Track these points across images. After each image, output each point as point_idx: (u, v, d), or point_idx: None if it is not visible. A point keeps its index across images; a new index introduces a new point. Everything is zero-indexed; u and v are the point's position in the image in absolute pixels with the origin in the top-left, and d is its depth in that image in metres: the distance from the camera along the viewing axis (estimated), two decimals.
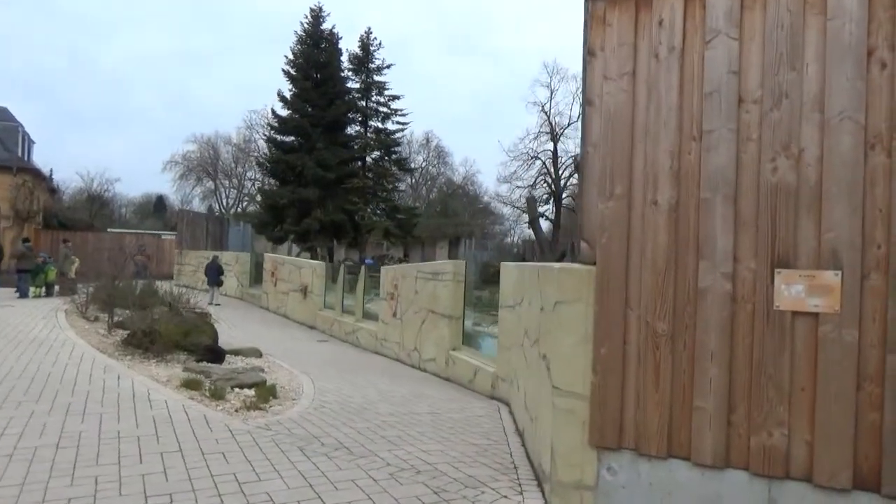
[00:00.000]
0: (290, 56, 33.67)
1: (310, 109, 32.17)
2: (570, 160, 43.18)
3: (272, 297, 21.28)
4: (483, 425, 6.33)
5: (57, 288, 17.46)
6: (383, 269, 14.40)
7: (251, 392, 7.12)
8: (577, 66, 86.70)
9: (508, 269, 8.09)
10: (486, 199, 60.83)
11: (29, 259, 16.63)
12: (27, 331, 10.18)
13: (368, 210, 32.40)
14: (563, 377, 3.87)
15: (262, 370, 9.32)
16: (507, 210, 52.06)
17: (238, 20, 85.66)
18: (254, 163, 59.45)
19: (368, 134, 34.54)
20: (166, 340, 9.12)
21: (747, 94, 3.50)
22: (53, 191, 36.49)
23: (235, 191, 62.58)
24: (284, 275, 20.59)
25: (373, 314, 15.75)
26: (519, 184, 42.34)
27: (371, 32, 34.79)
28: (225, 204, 61.75)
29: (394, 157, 34.56)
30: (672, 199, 3.62)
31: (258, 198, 59.22)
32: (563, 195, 42.26)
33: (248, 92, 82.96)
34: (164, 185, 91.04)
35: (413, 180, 44.60)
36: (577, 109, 42.67)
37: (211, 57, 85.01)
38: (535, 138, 42.37)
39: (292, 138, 33.17)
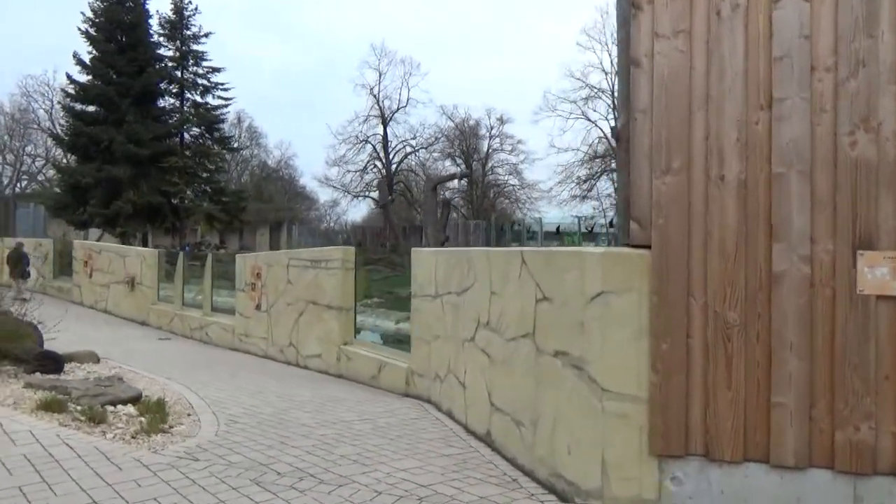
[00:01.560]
0: (89, 14, 29.34)
1: (115, 76, 28.34)
2: (401, 145, 43.13)
3: (87, 291, 18.42)
4: (429, 430, 5.67)
5: None
6: (240, 257, 12.93)
7: (132, 410, 5.79)
8: (405, 50, 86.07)
9: (425, 256, 7.44)
10: (301, 182, 58.87)
11: None
12: None
13: (189, 192, 29.44)
14: (614, 378, 3.37)
15: (121, 379, 7.82)
16: (326, 195, 50.93)
17: None
18: (40, 136, 51.86)
19: (186, 108, 31.35)
20: None
21: (819, 62, 3.22)
22: None
23: (11, 168, 54.13)
24: (103, 265, 17.86)
25: (222, 307, 14.18)
26: (350, 167, 41.30)
27: None
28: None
29: (216, 134, 31.73)
30: (741, 175, 3.26)
31: (52, 175, 51.83)
32: (395, 181, 42.03)
33: (16, 54, 71.82)
34: None
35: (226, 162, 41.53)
36: (406, 94, 42.64)
37: None
38: (365, 121, 41.56)
39: (95, 108, 29.05)
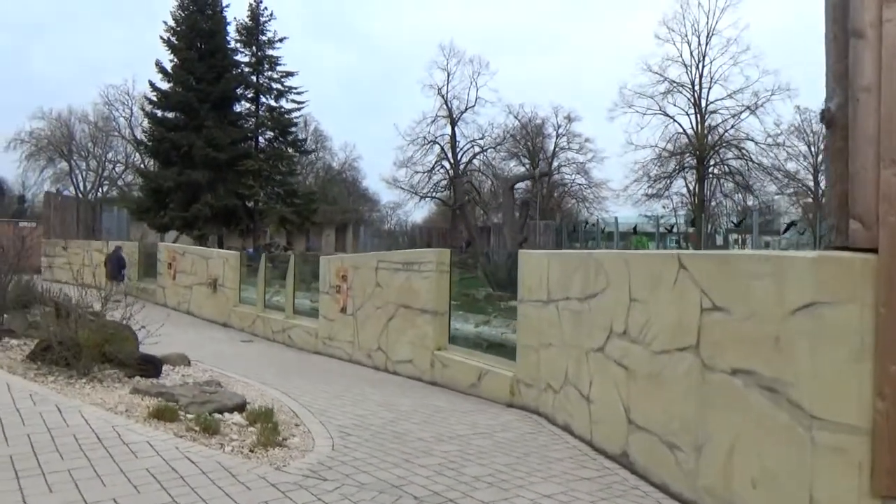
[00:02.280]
0: (171, 23, 30.23)
1: (195, 83, 29.04)
2: (469, 144, 42.73)
3: (171, 292, 18.80)
4: (553, 447, 5.23)
5: None
6: (324, 259, 12.82)
7: (240, 419, 5.59)
8: (473, 50, 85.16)
9: (535, 259, 7.01)
10: (364, 184, 59.26)
11: None
12: None
13: (263, 195, 29.89)
14: (827, 404, 2.85)
15: (219, 384, 7.70)
16: (393, 196, 51.02)
17: None
18: (120, 142, 54.07)
19: (261, 112, 31.88)
20: (92, 352, 7.23)
21: None
22: None
23: (94, 174, 56.57)
24: (186, 266, 18.19)
25: (305, 310, 14.11)
26: (418, 168, 41.27)
27: (261, 1, 32.07)
28: (82, 188, 55.71)
29: (289, 138, 32.14)
30: None
31: (131, 180, 53.95)
32: (465, 179, 41.62)
33: (95, 66, 75.04)
34: (7, 165, 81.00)
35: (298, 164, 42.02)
36: (474, 94, 42.27)
37: (47, 25, 75.80)
38: (433, 122, 41.40)
39: (175, 114, 29.86)
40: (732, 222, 32.38)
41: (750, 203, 33.74)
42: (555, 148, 48.06)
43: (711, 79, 33.54)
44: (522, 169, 46.46)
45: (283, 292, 16.33)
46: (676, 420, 4.01)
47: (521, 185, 43.61)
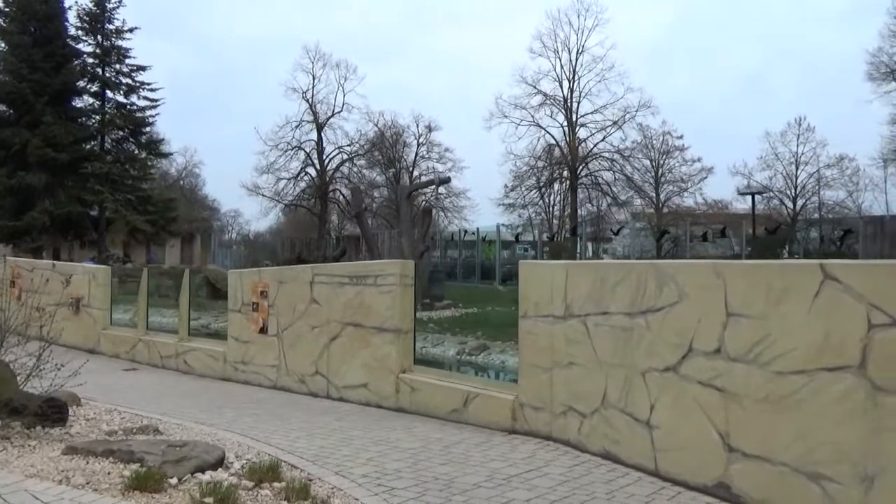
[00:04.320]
0: None
1: (29, 72, 25.21)
2: (336, 151, 41.27)
3: (15, 315, 15.83)
4: (619, 481, 4.64)
5: None
6: (233, 273, 11.32)
7: (243, 481, 4.42)
8: (340, 53, 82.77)
9: (542, 271, 6.40)
10: (203, 191, 55.81)
11: None
12: None
13: (111, 201, 26.57)
14: None
15: (158, 430, 6.32)
16: (232, 204, 48.34)
17: None
18: None
19: (108, 108, 28.42)
20: None
21: None
22: None
23: None
24: (37, 285, 15.42)
25: (166, 328, 12.45)
26: (283, 174, 39.13)
27: None
28: None
29: (142, 138, 28.95)
30: None
31: None
32: (330, 188, 40.14)
33: None
34: None
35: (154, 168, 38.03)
36: (342, 99, 40.99)
37: None
38: (298, 127, 39.51)
39: (3, 108, 25.75)
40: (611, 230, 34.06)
41: (622, 215, 35.78)
42: (416, 157, 48.00)
43: (580, 94, 35.30)
44: (382, 178, 45.92)
45: (140, 310, 14.47)
46: (825, 448, 3.58)
47: (374, 193, 43.10)
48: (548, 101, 35.78)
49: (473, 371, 12.13)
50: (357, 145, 43.22)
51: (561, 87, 36.20)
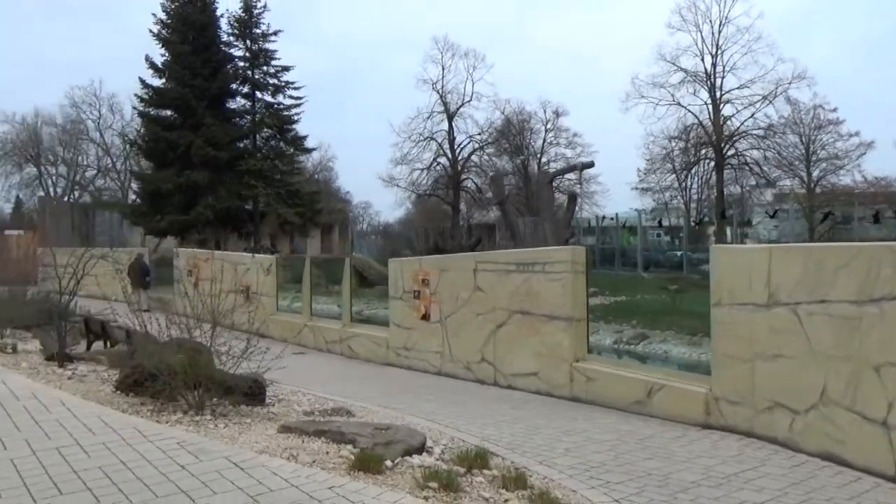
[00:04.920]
0: (161, 15, 28.54)
1: (191, 78, 27.40)
2: (467, 140, 41.58)
3: (191, 301, 17.30)
4: (853, 489, 4.23)
5: None
6: (394, 261, 11.67)
7: (455, 466, 4.46)
8: (470, 42, 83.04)
9: (740, 254, 6.01)
10: (336, 184, 57.82)
11: None
12: None
13: (264, 195, 28.37)
14: None
15: (349, 412, 6.58)
16: (363, 196, 49.78)
17: None
18: (95, 145, 51.63)
19: (258, 108, 30.32)
20: (192, 381, 6.06)
21: None
22: None
23: (65, 179, 54.12)
24: (212, 273, 16.76)
25: (327, 314, 12.99)
26: (418, 165, 40.03)
27: None
28: (53, 193, 53.16)
29: (289, 135, 30.65)
30: None
31: (103, 184, 51.57)
32: (462, 177, 40.55)
33: (52, 66, 71.75)
34: None
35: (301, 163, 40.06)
36: (471, 88, 41.18)
37: None
38: (429, 118, 40.20)
39: (171, 113, 28.20)
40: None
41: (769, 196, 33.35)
42: (543, 143, 47.22)
43: (724, 68, 33.11)
44: (506, 165, 45.59)
45: (305, 297, 15.26)
46: None
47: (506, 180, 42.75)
48: (689, 78, 33.87)
49: (639, 360, 11.72)
50: (486, 134, 43.31)
51: (703, 62, 34.12)
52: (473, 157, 42.10)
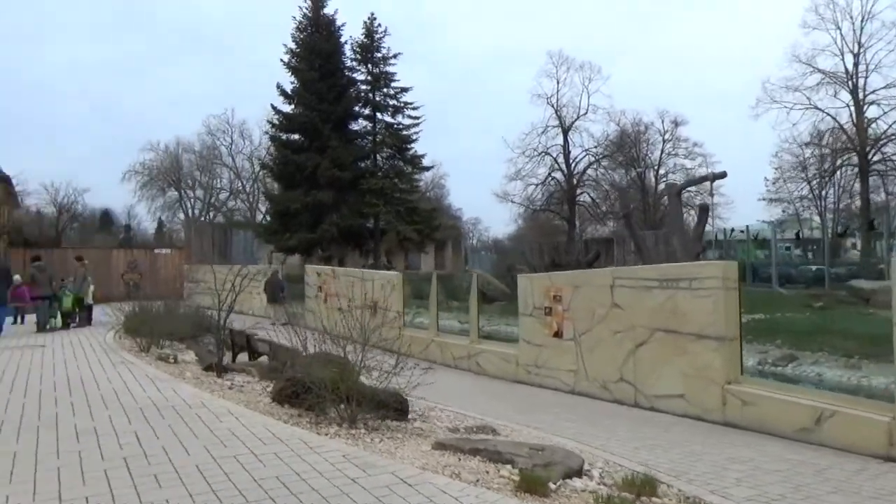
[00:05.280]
0: (291, 45, 30.29)
1: (317, 103, 28.82)
2: (582, 154, 40.93)
3: (321, 317, 18.06)
4: None
5: (77, 319, 13.96)
6: (524, 277, 11.58)
7: (626, 495, 4.26)
8: (584, 55, 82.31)
9: None
10: (447, 201, 58.24)
11: (43, 283, 13.07)
12: (116, 387, 6.99)
13: (384, 213, 29.23)
14: None
15: (494, 430, 6.52)
16: (473, 212, 49.74)
17: (162, 26, 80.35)
18: (223, 170, 55.42)
19: (378, 129, 31.39)
20: (344, 395, 6.23)
21: None
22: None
23: (201, 201, 58.38)
24: (340, 289, 17.44)
25: (447, 330, 12.97)
26: (532, 180, 39.82)
27: (375, 18, 31.68)
28: (191, 215, 57.50)
29: (408, 154, 31.49)
30: None
31: (233, 205, 55.26)
32: (578, 191, 39.94)
33: (189, 98, 77.65)
34: (123, 196, 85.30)
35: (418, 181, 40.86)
36: (586, 100, 40.56)
37: (144, 62, 79.10)
38: (544, 132, 39.94)
39: (297, 137, 29.80)
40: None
41: None
42: (661, 154, 45.56)
43: (867, 67, 30.59)
44: (622, 179, 44.28)
45: (426, 313, 15.42)
46: None
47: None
48: (827, 80, 31.52)
49: (790, 384, 10.90)
50: (602, 147, 42.45)
51: (843, 61, 31.69)
52: (589, 171, 41.35)
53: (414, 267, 48.65)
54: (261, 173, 47.34)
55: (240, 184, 55.68)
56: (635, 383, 8.55)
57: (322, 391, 6.08)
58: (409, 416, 6.98)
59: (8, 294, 13.24)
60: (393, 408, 6.53)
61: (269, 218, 31.94)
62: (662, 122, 43.15)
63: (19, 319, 14.94)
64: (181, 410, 5.87)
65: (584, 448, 5.73)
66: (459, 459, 4.83)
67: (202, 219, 54.79)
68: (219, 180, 58.45)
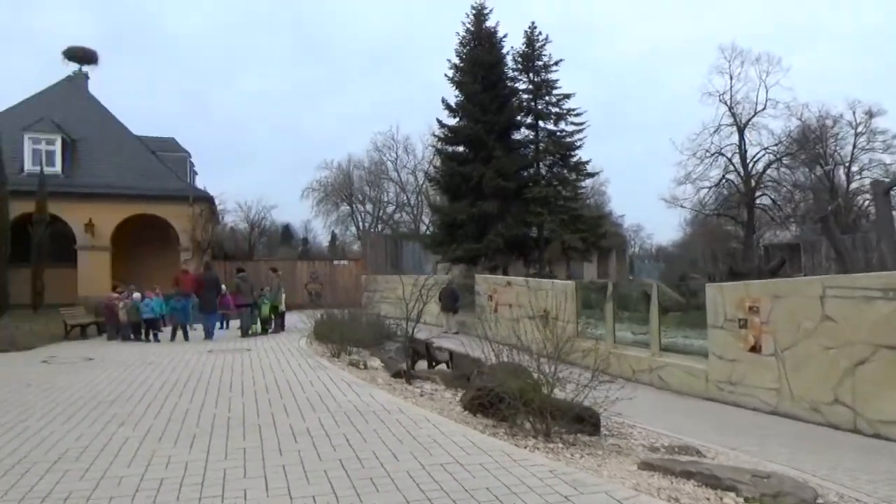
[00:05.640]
0: (455, 60, 31.07)
1: (481, 115, 29.26)
2: (761, 153, 37.88)
3: (492, 326, 18.20)
4: None
5: (272, 325, 15.24)
6: (713, 287, 10.84)
7: None
8: (760, 46, 76.49)
9: None
10: (608, 208, 55.90)
11: (246, 292, 14.41)
12: (318, 391, 7.43)
13: (548, 221, 28.91)
14: None
15: (698, 451, 6.10)
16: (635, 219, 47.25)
17: (337, 52, 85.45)
18: (393, 183, 58.17)
19: (541, 137, 31.20)
20: (538, 407, 6.13)
21: None
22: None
23: (370, 215, 61.60)
24: (510, 298, 17.50)
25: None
26: (705, 184, 37.53)
27: (536, 27, 31.55)
28: (361, 227, 60.86)
29: (571, 161, 30.97)
30: None
31: (399, 218, 57.84)
32: (757, 193, 36.99)
33: (358, 117, 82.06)
34: (302, 212, 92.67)
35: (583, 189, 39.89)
36: (764, 95, 37.56)
37: (323, 86, 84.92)
38: (716, 131, 37.50)
39: (462, 148, 30.45)
40: None
41: None
42: (853, 149, 40.83)
43: None
44: (808, 177, 40.18)
45: (597, 324, 14.87)
46: None
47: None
48: None
49: None
50: (782, 144, 38.99)
51: None
52: (769, 172, 38.12)
53: (576, 276, 47.66)
54: (424, 186, 48.95)
55: (405, 197, 58.11)
56: (854, 406, 7.61)
57: (516, 403, 6.04)
58: (602, 432, 6.77)
59: (217, 302, 14.77)
60: (589, 423, 6.35)
61: (434, 229, 32.85)
62: (854, 113, 38.75)
63: (225, 325, 16.57)
64: (382, 415, 6.09)
65: (807, 478, 5.16)
66: (672, 482, 4.53)
67: (374, 230, 57.66)
68: (385, 194, 61.44)
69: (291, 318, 16.33)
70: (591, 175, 32.65)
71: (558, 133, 31.14)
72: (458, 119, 30.63)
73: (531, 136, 31.46)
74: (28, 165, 25.16)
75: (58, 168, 25.80)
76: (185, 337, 14.07)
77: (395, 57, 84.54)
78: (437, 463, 4.59)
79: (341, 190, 60.39)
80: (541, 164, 31.29)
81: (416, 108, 67.11)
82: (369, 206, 62.16)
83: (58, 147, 26.24)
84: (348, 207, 61.29)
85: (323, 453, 4.88)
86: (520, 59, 31.48)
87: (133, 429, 5.74)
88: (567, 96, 31.32)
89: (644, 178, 77.10)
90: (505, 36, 31.40)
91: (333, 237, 66.60)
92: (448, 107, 30.85)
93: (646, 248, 70.04)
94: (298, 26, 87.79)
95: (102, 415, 6.33)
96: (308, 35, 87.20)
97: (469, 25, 31.51)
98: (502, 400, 6.33)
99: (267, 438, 5.34)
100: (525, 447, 5.24)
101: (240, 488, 4.12)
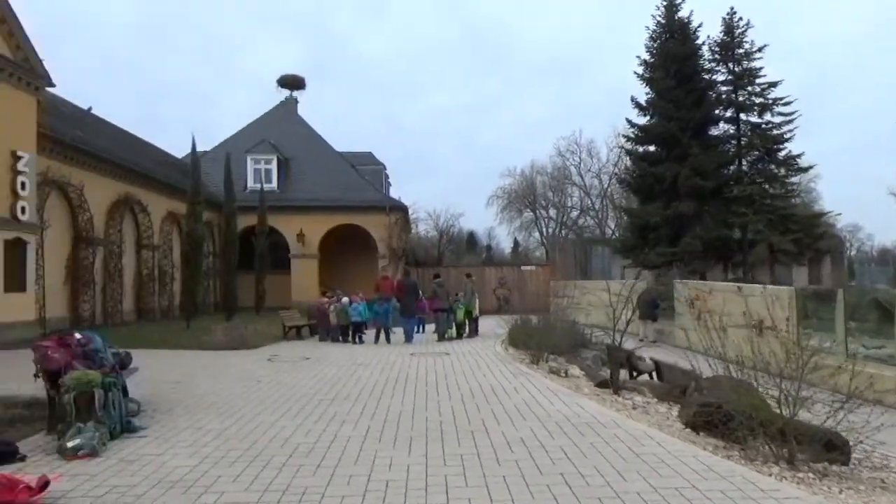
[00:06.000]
0: (645, 56, 29.66)
1: (674, 111, 27.63)
2: None
3: (694, 335, 16.98)
4: None
5: (467, 329, 15.50)
6: None
7: None
8: None
9: None
10: (818, 206, 49.33)
11: (442, 297, 14.80)
12: (524, 398, 7.26)
13: (753, 221, 26.45)
14: None
15: None
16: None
17: (515, 63, 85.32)
18: (577, 188, 57.13)
19: (743, 131, 28.72)
20: (778, 429, 5.42)
21: None
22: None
23: (554, 220, 60.87)
24: (716, 305, 16.17)
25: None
26: None
27: (735, 12, 29.10)
28: (544, 233, 60.40)
29: (780, 155, 28.13)
30: None
31: (583, 223, 56.65)
32: None
33: (541, 124, 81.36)
34: (486, 219, 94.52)
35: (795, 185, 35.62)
36: None
37: (501, 97, 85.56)
38: None
39: (653, 147, 29.00)
40: None
41: None
42: None
43: None
44: None
45: (817, 335, 13.09)
46: None
47: None
48: None
49: None
50: None
51: None
52: None
53: (784, 282, 43.29)
54: (610, 189, 47.39)
55: (589, 201, 56.76)
56: None
57: (752, 423, 5.40)
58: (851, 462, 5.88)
59: (415, 306, 15.36)
60: (840, 451, 5.53)
61: (623, 233, 31.54)
62: None
63: (421, 328, 17.17)
64: (597, 428, 5.76)
65: None
66: None
67: (560, 235, 57.00)
68: (570, 199, 60.47)
69: (485, 323, 16.50)
70: (804, 170, 29.33)
71: (763, 125, 28.45)
72: (648, 117, 29.19)
73: (731, 131, 29.09)
74: (250, 183, 28.32)
75: (274, 184, 28.81)
76: (388, 339, 14.77)
77: (574, 63, 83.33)
78: (671, 486, 4.18)
79: (525, 196, 60.39)
80: (743, 160, 28.80)
81: (599, 110, 65.29)
82: (553, 212, 61.48)
83: (274, 166, 29.38)
84: (531, 213, 61.14)
85: (543, 466, 4.67)
86: (717, 49, 29.28)
87: (353, 427, 5.97)
88: (773, 85, 28.55)
89: (859, 172, 68.18)
90: (700, 26, 29.43)
91: (516, 243, 66.93)
92: (637, 105, 29.51)
93: (864, 250, 61.96)
94: (477, 41, 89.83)
95: (325, 412, 6.69)
96: (485, 48, 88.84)
97: (660, 18, 29.94)
98: (731, 418, 5.71)
99: (482, 446, 5.25)
100: (769, 475, 4.62)
101: (463, 497, 4.03)
